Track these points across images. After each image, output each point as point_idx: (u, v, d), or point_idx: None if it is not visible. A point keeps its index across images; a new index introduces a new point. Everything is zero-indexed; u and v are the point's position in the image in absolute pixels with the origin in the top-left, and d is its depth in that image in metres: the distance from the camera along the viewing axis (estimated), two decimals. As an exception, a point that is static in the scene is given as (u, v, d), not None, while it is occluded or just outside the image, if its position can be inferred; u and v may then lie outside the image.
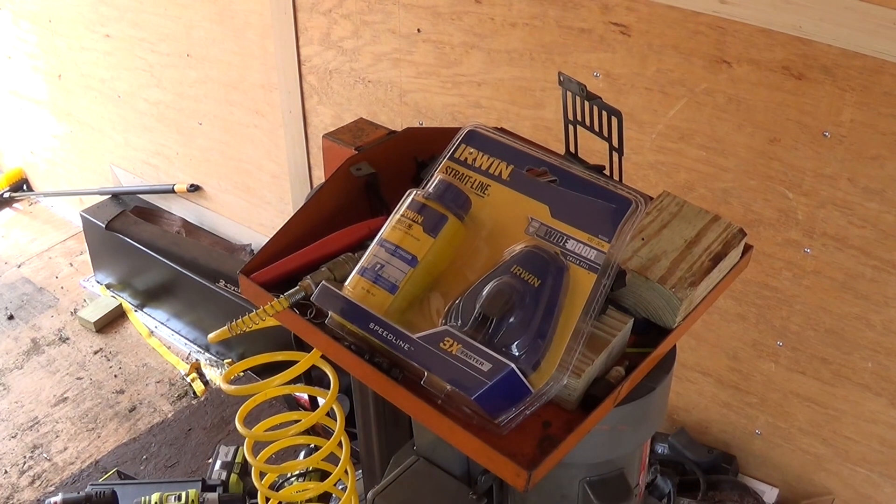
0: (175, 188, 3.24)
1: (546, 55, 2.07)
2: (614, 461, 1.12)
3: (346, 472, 1.29)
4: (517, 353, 0.94)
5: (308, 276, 1.07)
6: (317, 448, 1.28)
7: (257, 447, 1.28)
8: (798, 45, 1.72)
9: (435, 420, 0.96)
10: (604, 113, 1.15)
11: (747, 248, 1.17)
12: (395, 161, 1.27)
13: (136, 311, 3.20)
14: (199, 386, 2.89)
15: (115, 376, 2.95)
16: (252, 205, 3.08)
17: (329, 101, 2.62)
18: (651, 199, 1.15)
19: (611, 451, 1.09)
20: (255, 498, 1.56)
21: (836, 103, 1.72)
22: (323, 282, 1.02)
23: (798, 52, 1.72)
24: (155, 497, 2.08)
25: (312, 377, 1.39)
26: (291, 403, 2.56)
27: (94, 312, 3.16)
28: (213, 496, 2.15)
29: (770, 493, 2.21)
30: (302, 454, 2.23)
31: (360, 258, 1.03)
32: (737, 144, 1.89)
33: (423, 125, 2.39)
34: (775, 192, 1.88)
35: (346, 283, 1.02)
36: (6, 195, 3.80)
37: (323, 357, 1.14)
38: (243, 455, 2.18)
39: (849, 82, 1.69)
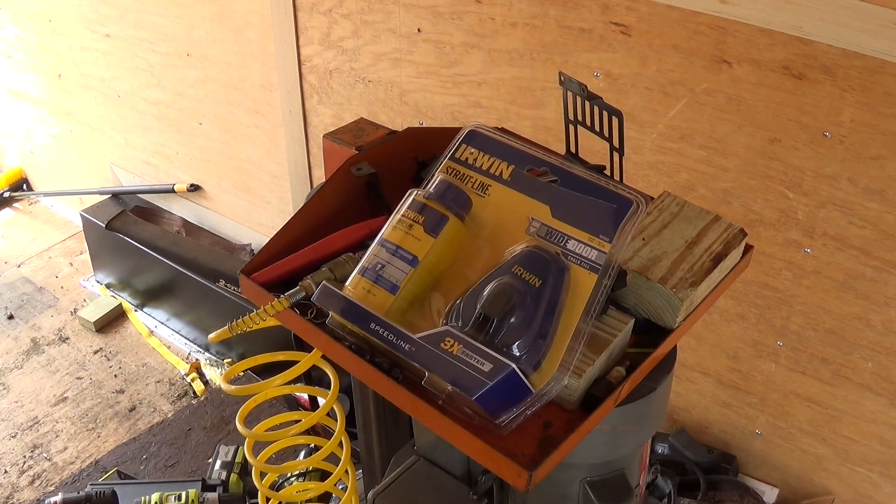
0: (175, 188, 3.24)
1: (546, 55, 2.07)
2: (615, 461, 1.12)
3: (346, 472, 1.29)
4: (518, 354, 0.93)
5: (308, 276, 1.07)
6: (317, 448, 1.28)
7: (257, 447, 1.27)
8: (798, 45, 1.72)
9: (435, 420, 0.95)
10: (604, 113, 1.15)
11: (748, 248, 1.17)
12: (395, 161, 1.27)
13: (136, 310, 3.20)
14: (199, 386, 2.88)
15: (115, 376, 2.95)
16: (252, 205, 3.08)
17: (329, 101, 2.62)
18: (652, 199, 1.15)
19: (611, 451, 1.09)
20: (255, 498, 1.56)
21: (836, 103, 1.72)
22: (323, 282, 1.02)
23: (798, 52, 1.72)
24: (155, 497, 2.08)
25: (312, 377, 1.39)
26: (291, 403, 2.56)
27: (94, 312, 3.16)
28: (213, 496, 2.15)
29: (770, 493, 2.21)
30: (302, 454, 2.23)
31: (361, 258, 1.03)
32: (737, 144, 1.89)
33: (424, 125, 2.39)
34: (776, 192, 1.88)
35: (347, 283, 1.02)
36: (6, 195, 3.80)
37: (323, 357, 1.14)
38: (243, 455, 2.18)
39: (849, 82, 1.69)
